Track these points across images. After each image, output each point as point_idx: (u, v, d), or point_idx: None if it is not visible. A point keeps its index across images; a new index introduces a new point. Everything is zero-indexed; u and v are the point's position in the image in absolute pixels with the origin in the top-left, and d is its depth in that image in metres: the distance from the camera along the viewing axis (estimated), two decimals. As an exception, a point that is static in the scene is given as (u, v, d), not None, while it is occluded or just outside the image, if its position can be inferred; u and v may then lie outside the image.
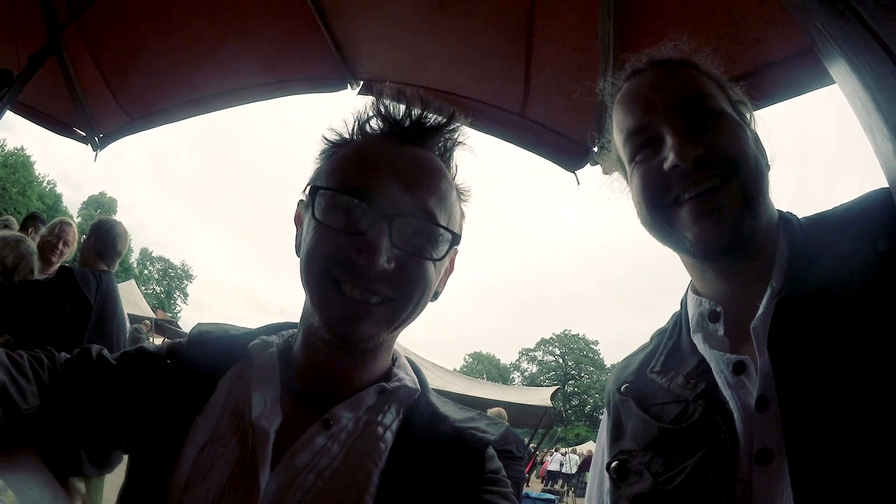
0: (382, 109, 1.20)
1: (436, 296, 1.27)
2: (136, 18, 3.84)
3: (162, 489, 1.06)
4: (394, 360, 1.33)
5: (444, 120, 1.21)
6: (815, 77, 2.39)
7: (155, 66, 4.06)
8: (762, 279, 1.24)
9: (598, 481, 1.49)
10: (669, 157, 1.23)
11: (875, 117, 0.97)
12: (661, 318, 1.55)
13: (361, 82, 3.73)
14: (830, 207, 1.32)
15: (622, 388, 1.45)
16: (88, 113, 4.54)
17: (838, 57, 1.07)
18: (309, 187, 1.19)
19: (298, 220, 1.28)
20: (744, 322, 1.23)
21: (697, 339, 1.33)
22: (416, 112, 1.20)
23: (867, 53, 0.95)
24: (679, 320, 1.45)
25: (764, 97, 2.38)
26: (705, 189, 1.22)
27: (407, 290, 1.13)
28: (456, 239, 1.19)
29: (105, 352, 1.29)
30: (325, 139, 1.25)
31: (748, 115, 1.36)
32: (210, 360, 1.25)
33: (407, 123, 1.19)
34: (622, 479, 1.33)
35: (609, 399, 1.51)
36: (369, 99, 1.23)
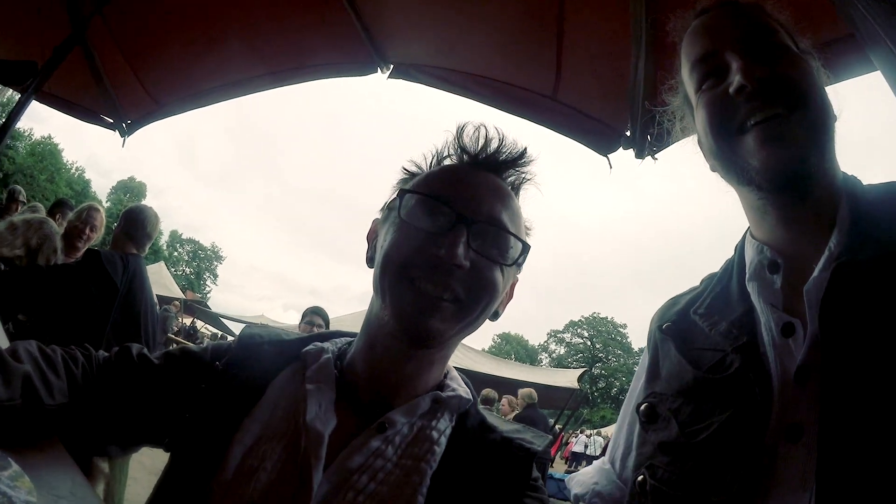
0: (462, 141, 1.31)
1: (495, 315, 1.32)
2: (161, 6, 3.87)
3: (206, 489, 1.09)
4: (447, 373, 1.36)
5: (518, 153, 1.31)
6: (854, 65, 2.33)
7: (181, 52, 4.10)
8: (822, 238, 1.19)
9: (628, 420, 1.49)
10: (735, 80, 1.20)
11: None
12: None
13: (392, 66, 3.71)
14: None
15: (664, 327, 1.44)
16: (115, 100, 4.60)
17: (881, 42, 1.04)
18: (397, 191, 1.29)
19: (371, 236, 1.35)
20: (798, 280, 1.18)
21: (752, 288, 1.29)
22: (493, 145, 1.30)
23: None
24: (731, 265, 1.41)
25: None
26: (771, 115, 1.18)
27: (477, 293, 1.19)
28: (525, 249, 1.26)
29: (146, 351, 1.32)
30: (405, 170, 1.35)
31: (815, 66, 1.30)
32: (261, 363, 1.28)
33: (483, 155, 1.30)
34: (650, 423, 1.33)
35: (650, 337, 1.50)
36: (449, 135, 1.33)
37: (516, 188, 1.33)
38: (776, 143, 1.17)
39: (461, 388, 1.33)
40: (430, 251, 1.15)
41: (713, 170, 1.36)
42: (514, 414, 11.19)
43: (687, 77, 1.37)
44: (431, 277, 1.15)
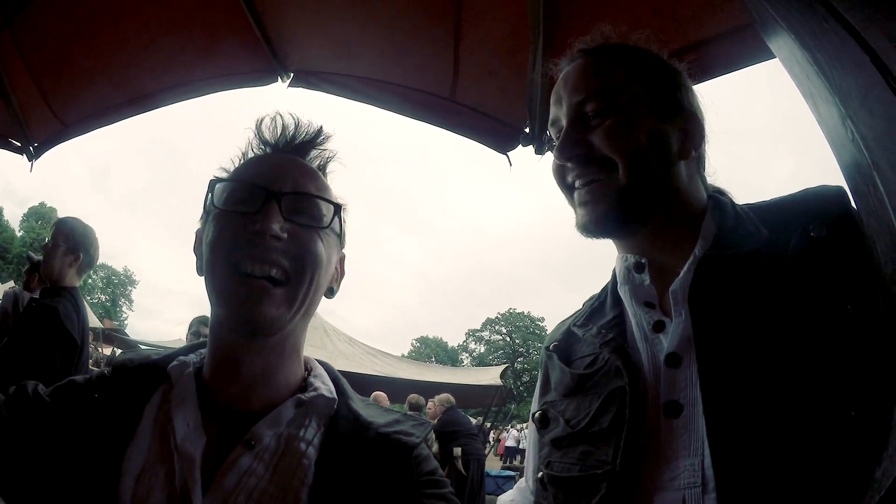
0: (261, 133, 1.39)
1: (331, 292, 1.40)
2: (67, 23, 3.68)
3: None
4: (309, 370, 1.39)
5: (314, 133, 1.41)
6: (753, 52, 2.46)
7: (86, 68, 3.92)
8: (686, 249, 1.33)
9: (532, 437, 1.60)
10: (555, 155, 1.42)
11: (816, 82, 0.99)
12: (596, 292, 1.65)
13: (292, 74, 3.67)
14: (769, 198, 1.41)
15: (550, 346, 1.60)
16: (22, 122, 4.32)
17: (776, 23, 1.08)
18: (208, 183, 1.31)
19: (197, 246, 1.36)
20: (666, 284, 1.34)
21: (624, 292, 1.44)
22: (290, 130, 1.39)
23: (807, 13, 0.95)
24: (608, 285, 1.57)
25: (701, 73, 2.44)
26: (588, 181, 1.39)
27: (301, 263, 1.23)
28: (337, 208, 1.32)
29: (41, 388, 1.27)
30: (216, 178, 1.33)
31: (679, 96, 1.43)
32: (133, 387, 1.26)
33: (283, 142, 1.39)
34: (544, 427, 1.47)
35: (542, 359, 1.65)
36: (249, 131, 1.41)
37: (322, 168, 1.41)
38: (586, 207, 1.39)
39: (323, 387, 1.33)
40: (248, 229, 1.19)
41: None
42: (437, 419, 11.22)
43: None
44: (253, 255, 1.18)
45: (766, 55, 2.40)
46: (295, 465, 1.18)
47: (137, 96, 4.02)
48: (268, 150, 1.39)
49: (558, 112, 1.46)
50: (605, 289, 1.58)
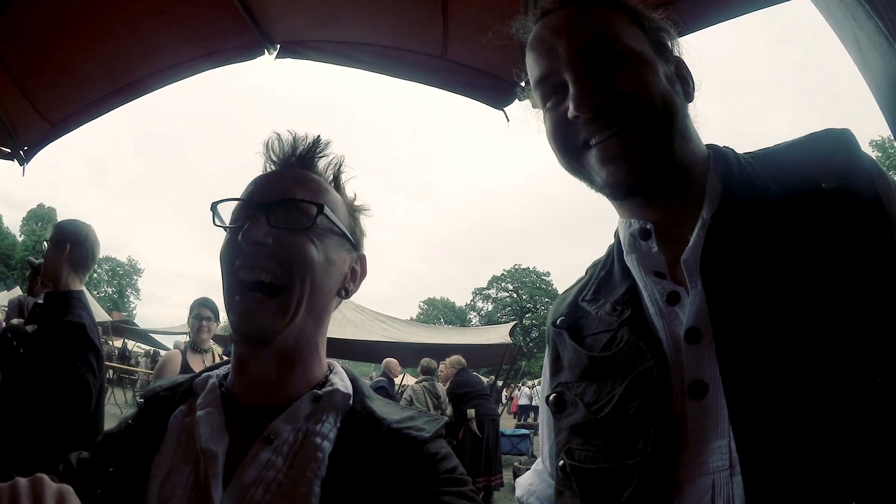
0: (267, 152, 1.44)
1: (346, 293, 1.45)
2: (45, 19, 3.62)
3: None
4: (331, 370, 1.43)
5: (311, 142, 1.44)
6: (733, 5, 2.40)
7: (69, 65, 3.89)
8: (692, 210, 1.25)
9: (545, 417, 1.52)
10: (570, 108, 1.23)
11: (866, 24, 0.94)
12: (604, 244, 1.57)
13: (278, 46, 3.61)
14: (773, 144, 1.33)
15: (557, 322, 1.47)
16: (9, 127, 4.32)
17: None
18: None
19: None
20: (676, 251, 1.24)
21: (631, 261, 1.34)
22: (287, 145, 1.44)
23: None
24: (612, 250, 1.46)
25: (692, 21, 2.39)
26: (609, 135, 1.22)
27: (289, 266, 1.27)
28: (319, 209, 1.32)
29: (83, 454, 1.36)
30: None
31: (670, 44, 1.34)
32: (162, 406, 1.35)
33: (283, 156, 1.43)
34: (560, 411, 1.37)
35: (548, 333, 1.54)
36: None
37: (335, 175, 1.48)
38: (615, 163, 1.22)
39: (340, 384, 1.37)
40: (239, 241, 1.26)
41: None
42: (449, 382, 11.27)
43: (532, 90, 1.39)
44: (244, 263, 1.25)
45: (758, 5, 2.39)
46: (309, 458, 1.22)
47: (124, 85, 4.01)
48: (271, 166, 1.44)
49: (549, 64, 1.28)
50: (609, 255, 1.47)
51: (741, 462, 1.01)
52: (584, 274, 1.56)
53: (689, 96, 1.32)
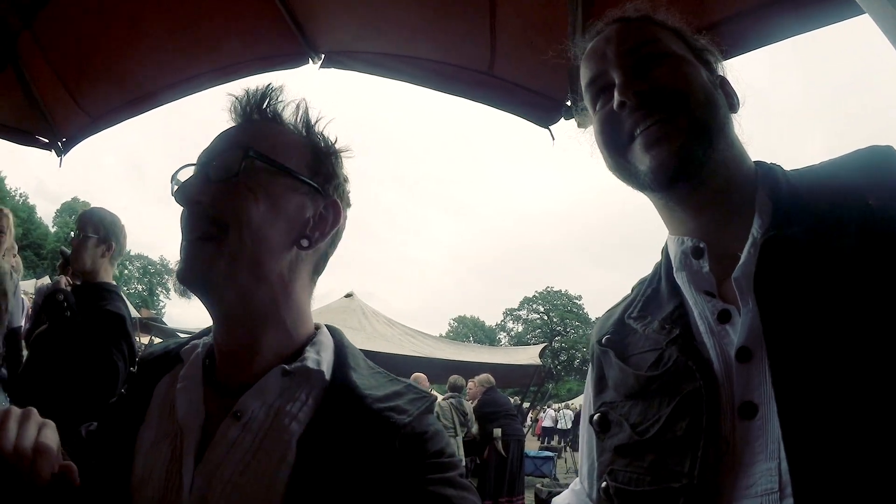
0: (229, 111, 1.37)
1: (310, 242, 1.29)
2: (87, 16, 3.69)
3: (127, 496, 1.15)
4: (312, 340, 1.31)
5: (260, 94, 1.35)
6: (786, 25, 2.40)
7: (110, 62, 3.93)
8: (743, 226, 1.23)
9: (586, 436, 1.49)
10: (616, 97, 1.28)
11: None
12: (636, 270, 1.54)
13: (323, 56, 3.62)
14: (817, 162, 1.32)
15: (603, 340, 1.45)
16: (49, 118, 4.38)
17: None
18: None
19: None
20: (726, 268, 1.22)
21: (681, 279, 1.33)
22: (247, 97, 1.36)
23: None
24: (659, 267, 1.45)
25: (733, 47, 2.38)
26: (654, 121, 1.25)
27: (223, 221, 1.19)
28: (247, 153, 1.23)
29: (92, 425, 1.38)
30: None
31: (712, 60, 1.38)
32: (151, 374, 1.31)
33: (240, 108, 1.35)
34: (604, 431, 1.34)
35: (592, 351, 1.51)
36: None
37: (305, 121, 1.37)
38: (659, 145, 1.24)
39: (313, 357, 1.25)
40: (177, 201, 1.23)
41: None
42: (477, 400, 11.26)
43: (586, 99, 1.43)
44: (185, 224, 1.21)
45: (789, 32, 2.46)
46: (277, 440, 1.14)
47: (166, 85, 4.03)
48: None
49: (600, 67, 1.36)
50: (656, 272, 1.46)
51: (793, 485, 0.99)
52: (629, 292, 1.53)
53: (733, 108, 1.34)
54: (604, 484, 1.29)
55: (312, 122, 1.37)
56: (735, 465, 1.09)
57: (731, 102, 1.34)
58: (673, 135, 1.23)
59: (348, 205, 1.40)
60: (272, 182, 1.24)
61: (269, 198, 1.23)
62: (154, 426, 1.21)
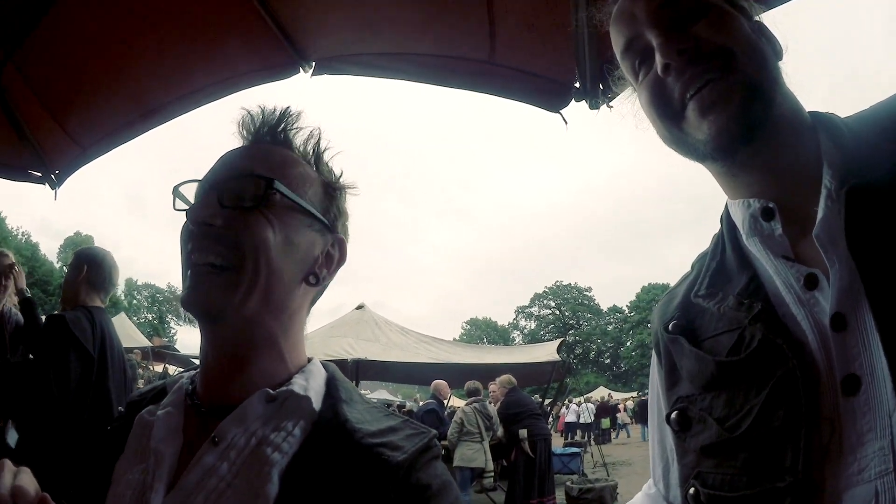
0: (238, 128, 1.32)
1: (318, 280, 1.27)
2: (73, 43, 3.59)
3: None
4: (303, 368, 1.26)
5: (279, 114, 1.30)
6: None
7: (98, 88, 3.84)
8: (811, 182, 1.10)
9: (658, 437, 1.38)
10: (658, 61, 1.16)
11: None
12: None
13: (314, 63, 3.52)
14: (868, 106, 1.21)
15: (670, 326, 1.30)
16: (39, 151, 4.29)
17: None
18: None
19: None
20: (801, 230, 1.11)
21: (753, 245, 1.19)
22: (258, 119, 1.31)
23: None
24: (720, 237, 1.31)
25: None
26: (704, 82, 1.13)
27: (239, 247, 1.14)
28: (269, 183, 1.18)
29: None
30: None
31: (747, 7, 1.23)
32: (137, 409, 1.26)
33: (251, 131, 1.31)
34: (685, 430, 1.20)
35: (657, 340, 1.37)
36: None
37: (315, 150, 1.33)
38: (715, 109, 1.12)
39: (301, 385, 1.19)
40: (188, 221, 1.17)
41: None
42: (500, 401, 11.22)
43: (623, 68, 1.32)
44: (196, 245, 1.15)
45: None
46: (257, 470, 1.07)
47: (155, 107, 3.94)
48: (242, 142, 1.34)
49: (631, 30, 1.23)
50: (717, 243, 1.32)
51: None
52: (689, 269, 1.41)
53: (777, 55, 1.21)
54: (692, 490, 1.16)
55: (322, 152, 1.34)
56: (842, 450, 0.97)
57: (776, 49, 1.21)
58: (728, 95, 1.10)
59: (348, 239, 1.37)
60: (289, 216, 1.21)
61: (284, 231, 1.20)
62: (130, 455, 1.16)
